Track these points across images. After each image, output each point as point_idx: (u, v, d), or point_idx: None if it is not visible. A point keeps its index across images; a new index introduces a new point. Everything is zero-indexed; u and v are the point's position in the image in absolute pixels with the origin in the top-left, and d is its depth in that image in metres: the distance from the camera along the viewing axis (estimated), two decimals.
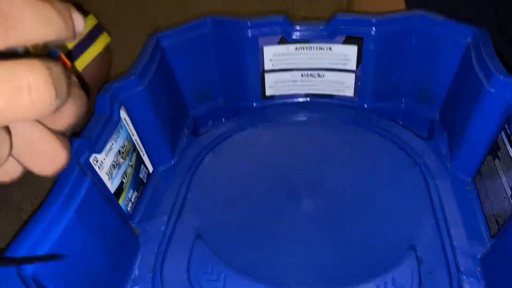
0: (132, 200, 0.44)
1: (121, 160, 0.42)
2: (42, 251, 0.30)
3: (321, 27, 0.50)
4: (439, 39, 0.47)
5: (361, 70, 0.52)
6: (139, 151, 0.46)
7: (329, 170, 0.46)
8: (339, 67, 0.52)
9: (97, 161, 0.38)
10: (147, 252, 0.41)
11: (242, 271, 0.38)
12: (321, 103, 0.55)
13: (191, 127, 0.54)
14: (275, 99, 0.55)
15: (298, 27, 0.50)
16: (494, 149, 0.40)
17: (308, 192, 0.44)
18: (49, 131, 0.19)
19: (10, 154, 0.18)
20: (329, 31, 0.50)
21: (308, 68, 0.53)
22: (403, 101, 0.54)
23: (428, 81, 0.50)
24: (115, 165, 0.41)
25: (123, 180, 0.42)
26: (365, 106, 0.53)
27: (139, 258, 0.40)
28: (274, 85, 0.54)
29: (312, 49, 0.51)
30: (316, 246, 0.40)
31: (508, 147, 0.38)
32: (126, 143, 0.43)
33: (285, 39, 0.51)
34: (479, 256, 0.38)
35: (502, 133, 0.39)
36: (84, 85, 0.21)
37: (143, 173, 0.47)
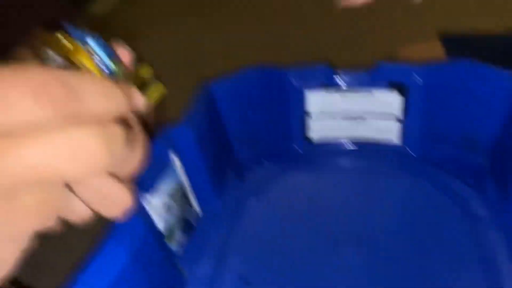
0: (180, 241, 0.45)
1: (171, 202, 0.44)
2: None
3: (365, 75, 0.51)
4: (486, 87, 0.47)
5: (406, 117, 0.52)
6: (188, 194, 0.48)
7: (375, 220, 0.46)
8: (383, 113, 0.53)
9: (149, 203, 0.40)
10: None
11: None
12: (365, 149, 0.55)
13: (236, 171, 0.55)
14: (319, 144, 0.56)
15: (341, 75, 0.52)
16: None
17: (354, 243, 0.44)
18: (115, 178, 0.20)
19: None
20: (372, 78, 0.51)
21: (351, 114, 0.54)
22: (450, 148, 0.53)
23: (476, 128, 0.50)
24: (166, 207, 0.43)
25: (173, 221, 0.44)
26: (411, 152, 0.53)
27: None
28: (318, 130, 0.55)
29: (356, 96, 0.52)
30: None
31: None
32: (176, 186, 0.45)
33: (328, 86, 0.52)
34: None
35: None
36: (147, 125, 0.23)
37: (191, 215, 0.48)
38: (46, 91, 0.16)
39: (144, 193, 0.39)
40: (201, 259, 0.44)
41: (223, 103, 0.53)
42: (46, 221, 0.18)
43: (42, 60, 0.20)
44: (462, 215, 0.45)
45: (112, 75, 0.21)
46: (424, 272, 0.41)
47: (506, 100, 0.46)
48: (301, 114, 0.54)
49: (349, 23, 0.76)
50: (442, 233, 0.44)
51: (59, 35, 0.20)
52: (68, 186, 0.19)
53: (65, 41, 0.20)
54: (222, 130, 0.54)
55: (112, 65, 0.21)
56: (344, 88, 0.52)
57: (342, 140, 0.56)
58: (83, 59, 0.20)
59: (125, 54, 0.23)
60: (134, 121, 0.21)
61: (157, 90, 0.25)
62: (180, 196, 0.46)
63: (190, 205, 0.48)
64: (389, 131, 0.54)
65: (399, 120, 0.53)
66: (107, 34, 0.22)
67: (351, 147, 0.56)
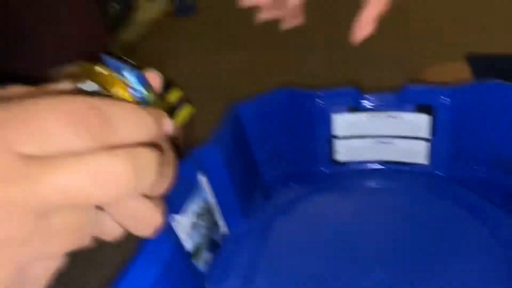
0: (208, 261, 0.46)
1: (199, 221, 0.45)
2: None
3: (392, 97, 0.51)
4: None
5: (434, 139, 0.52)
6: (215, 213, 0.49)
7: (403, 242, 0.46)
8: (411, 135, 0.53)
9: (177, 222, 0.41)
10: None
11: None
12: (393, 170, 0.55)
13: (263, 191, 0.55)
14: (346, 165, 0.56)
15: (368, 97, 0.52)
16: None
17: (381, 265, 0.44)
18: (146, 198, 0.21)
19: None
20: (400, 100, 0.51)
21: (379, 135, 0.54)
22: (480, 169, 0.52)
23: (506, 148, 0.49)
24: (193, 226, 0.43)
25: (200, 241, 0.44)
26: (440, 174, 0.53)
27: None
28: (344, 151, 0.55)
29: (383, 118, 0.53)
30: None
31: None
32: (203, 205, 0.46)
33: (355, 108, 0.52)
34: None
35: None
36: (177, 147, 0.23)
37: (218, 235, 0.49)
38: (84, 122, 0.17)
39: (172, 213, 0.40)
40: (228, 279, 0.45)
41: (250, 124, 0.54)
42: (78, 242, 0.19)
43: (80, 90, 0.21)
44: (492, 237, 0.44)
45: (144, 101, 0.23)
46: None
47: None
48: (328, 136, 0.55)
49: (375, 44, 0.77)
50: (471, 256, 0.43)
51: (97, 67, 0.22)
52: (100, 207, 0.20)
53: (102, 72, 0.22)
54: (249, 151, 0.55)
55: (144, 92, 0.23)
56: (371, 110, 0.52)
57: (368, 161, 0.56)
58: (119, 89, 0.22)
59: (155, 78, 0.24)
60: (164, 144, 0.22)
61: (186, 112, 0.26)
62: (208, 215, 0.46)
63: (217, 225, 0.49)
64: (417, 152, 0.53)
65: (427, 141, 0.52)
66: (137, 60, 0.23)
67: (377, 167, 0.55)
